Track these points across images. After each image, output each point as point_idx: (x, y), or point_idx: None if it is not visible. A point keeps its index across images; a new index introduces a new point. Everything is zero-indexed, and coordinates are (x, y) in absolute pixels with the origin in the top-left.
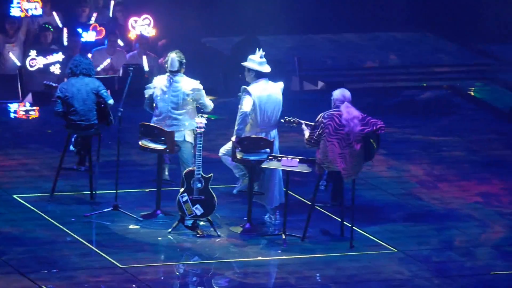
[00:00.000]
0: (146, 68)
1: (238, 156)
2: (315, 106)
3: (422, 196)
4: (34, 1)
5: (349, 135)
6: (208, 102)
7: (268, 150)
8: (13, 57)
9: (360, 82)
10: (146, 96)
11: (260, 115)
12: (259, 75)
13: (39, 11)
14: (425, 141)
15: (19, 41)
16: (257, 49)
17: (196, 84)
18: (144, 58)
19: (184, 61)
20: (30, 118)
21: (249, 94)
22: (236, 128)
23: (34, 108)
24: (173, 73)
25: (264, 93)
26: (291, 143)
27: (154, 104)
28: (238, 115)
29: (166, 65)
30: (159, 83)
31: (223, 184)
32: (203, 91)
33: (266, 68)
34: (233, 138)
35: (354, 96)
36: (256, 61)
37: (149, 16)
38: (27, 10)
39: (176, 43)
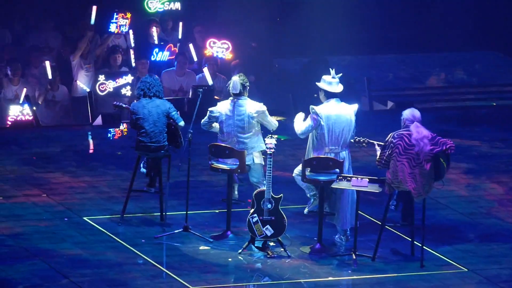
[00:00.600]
0: (210, 82)
1: (308, 176)
2: (385, 126)
3: (498, 215)
4: (126, 18)
5: (419, 155)
6: (273, 121)
7: (337, 170)
8: (81, 84)
9: (429, 102)
10: (207, 117)
11: (328, 135)
12: (329, 95)
13: (126, 29)
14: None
15: (92, 62)
16: (331, 69)
17: (260, 106)
18: (205, 70)
19: (247, 84)
20: (100, 140)
21: (315, 113)
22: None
23: (104, 130)
24: (236, 96)
25: (333, 113)
26: (362, 163)
27: (219, 128)
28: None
29: (229, 89)
30: (223, 108)
31: (294, 205)
32: (267, 112)
33: (336, 88)
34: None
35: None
36: (327, 80)
37: (227, 42)
38: (120, 27)
39: (248, 64)
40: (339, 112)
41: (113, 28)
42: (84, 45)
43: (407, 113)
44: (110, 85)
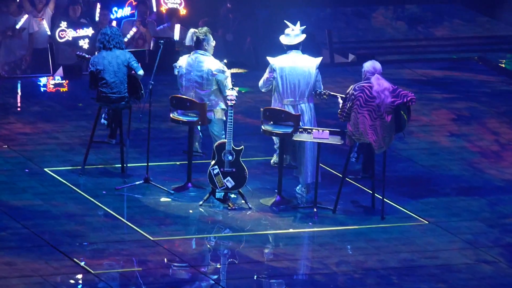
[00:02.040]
0: (176, 37)
1: (263, 127)
2: (346, 78)
3: (458, 168)
4: None
5: (379, 107)
6: (229, 85)
7: (291, 122)
8: (45, 25)
9: (390, 54)
10: (176, 74)
11: (282, 86)
12: (287, 47)
13: None
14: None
15: (47, 15)
16: (288, 22)
17: (222, 65)
18: (177, 26)
19: (204, 37)
20: (61, 91)
21: (270, 65)
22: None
23: (64, 81)
24: (196, 49)
25: (287, 64)
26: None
27: (179, 82)
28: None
29: (185, 41)
30: (184, 61)
31: (256, 157)
32: (228, 74)
33: (292, 41)
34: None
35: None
36: (285, 33)
37: None
38: None
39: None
40: (294, 64)
41: None
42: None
43: (368, 65)
44: (70, 34)
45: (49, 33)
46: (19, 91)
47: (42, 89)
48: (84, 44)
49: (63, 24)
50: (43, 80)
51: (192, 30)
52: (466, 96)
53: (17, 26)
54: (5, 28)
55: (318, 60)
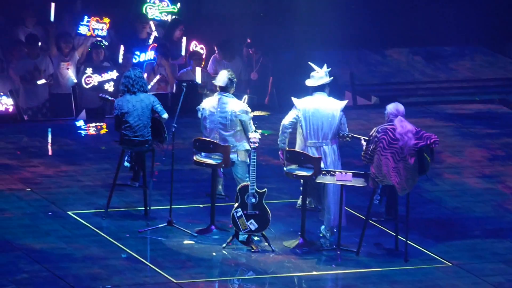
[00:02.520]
0: (199, 80)
1: (286, 169)
2: (369, 120)
3: (481, 210)
4: (103, 22)
5: (403, 149)
6: (252, 127)
7: (311, 165)
8: (71, 73)
9: (412, 96)
10: (200, 116)
11: (305, 128)
12: (312, 89)
13: (104, 33)
14: None
15: (73, 60)
16: (312, 64)
17: (245, 106)
18: (198, 70)
19: (235, 80)
20: (84, 135)
21: (294, 105)
22: (279, 140)
23: (88, 125)
24: (222, 91)
25: (311, 106)
26: (348, 159)
27: (202, 124)
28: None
29: (215, 81)
30: (207, 103)
31: (279, 199)
32: (250, 115)
33: (316, 83)
34: (279, 152)
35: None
36: (311, 75)
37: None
38: (94, 30)
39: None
40: (318, 106)
41: (83, 30)
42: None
43: (391, 107)
44: (96, 79)
45: (75, 80)
46: (42, 134)
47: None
48: (109, 87)
49: (89, 71)
50: (66, 124)
51: (224, 72)
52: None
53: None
54: (25, 72)
55: (343, 103)
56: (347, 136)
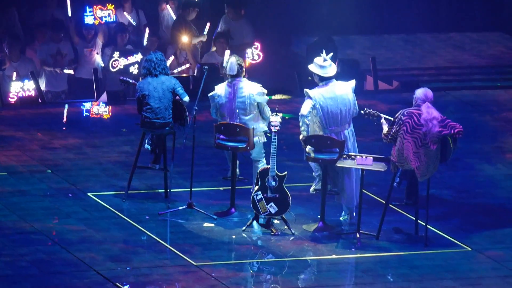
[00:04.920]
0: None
1: (310, 155)
2: (391, 104)
3: (502, 195)
4: (107, 9)
5: (426, 135)
6: (268, 112)
7: (337, 149)
8: (99, 59)
9: (434, 82)
10: (212, 105)
11: (324, 117)
12: (322, 78)
13: (113, 18)
14: None
15: (97, 46)
16: (321, 52)
17: (260, 87)
18: (227, 53)
19: (243, 64)
20: (105, 117)
21: (309, 97)
22: (301, 129)
23: (109, 107)
24: (234, 77)
25: (327, 95)
26: (367, 143)
27: (219, 112)
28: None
29: (225, 71)
30: (222, 90)
31: (299, 183)
32: (266, 96)
33: (329, 72)
34: (301, 137)
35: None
36: (319, 64)
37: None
38: (101, 18)
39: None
40: (333, 94)
41: (89, 20)
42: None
43: (420, 92)
44: (122, 63)
45: (102, 64)
46: (63, 116)
47: (86, 114)
48: (134, 70)
49: (116, 54)
50: (87, 106)
51: (233, 59)
52: None
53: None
54: (48, 56)
55: (352, 83)
56: (374, 115)
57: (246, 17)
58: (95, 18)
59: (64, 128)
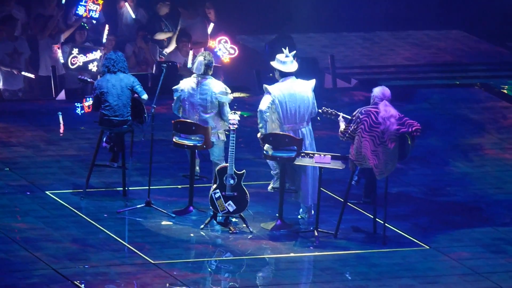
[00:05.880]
0: (189, 64)
1: (267, 153)
2: (348, 103)
3: (460, 193)
4: (97, 3)
5: (383, 134)
6: (228, 113)
7: (295, 147)
8: (60, 56)
9: (393, 80)
10: (175, 98)
11: (282, 113)
12: (283, 74)
13: (97, 14)
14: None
15: (59, 42)
16: (283, 48)
17: (225, 87)
18: (190, 53)
19: (212, 63)
20: (63, 115)
21: (268, 93)
22: (258, 124)
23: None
24: (200, 75)
25: (286, 92)
26: (326, 140)
27: (181, 107)
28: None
29: (192, 69)
30: (186, 85)
31: (257, 181)
32: (230, 97)
33: (290, 68)
34: (258, 135)
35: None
36: (281, 60)
37: (236, 48)
38: (89, 11)
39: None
40: (292, 90)
41: (81, 11)
42: (53, 26)
43: (377, 90)
44: (81, 59)
45: (62, 61)
46: (21, 114)
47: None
48: (93, 67)
49: (75, 51)
50: (45, 104)
51: (200, 57)
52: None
53: None
54: (4, 55)
55: (312, 82)
56: (331, 113)
57: (202, 17)
58: (85, 10)
59: (61, 134)
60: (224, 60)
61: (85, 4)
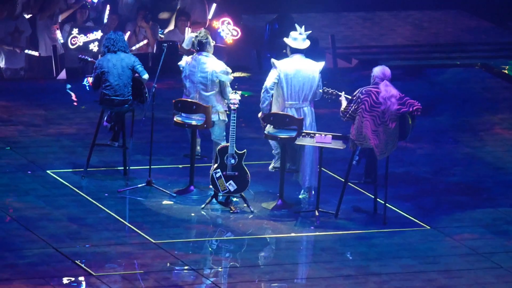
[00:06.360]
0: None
1: (268, 133)
2: (349, 83)
3: (460, 174)
4: None
5: (384, 113)
6: (229, 92)
7: (295, 127)
8: (59, 36)
9: (393, 60)
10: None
11: (286, 89)
12: (293, 50)
13: None
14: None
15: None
16: (297, 25)
17: (225, 66)
18: (187, 31)
19: (206, 40)
20: (64, 94)
21: (275, 67)
22: (260, 103)
23: (68, 84)
24: (199, 51)
25: (292, 68)
26: (327, 121)
27: (183, 83)
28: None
29: (183, 45)
30: (186, 62)
31: (259, 161)
32: (231, 76)
33: (301, 44)
34: (259, 115)
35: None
36: (293, 36)
37: (238, 29)
38: None
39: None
40: (299, 68)
41: None
42: (54, 8)
43: (378, 70)
44: (81, 40)
45: (62, 41)
46: (22, 93)
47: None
48: (94, 47)
49: (75, 31)
50: (46, 83)
51: (191, 34)
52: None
53: None
54: (6, 34)
55: (321, 64)
56: (332, 94)
57: None
58: None
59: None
60: (228, 41)
61: None
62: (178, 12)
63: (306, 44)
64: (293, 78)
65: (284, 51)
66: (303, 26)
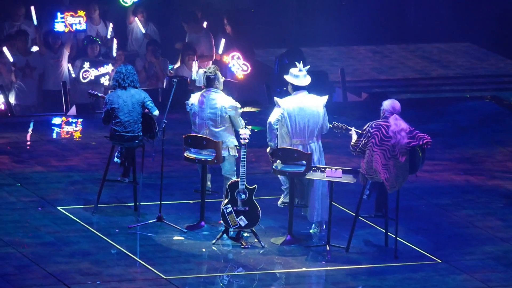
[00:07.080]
0: (194, 76)
1: (277, 168)
2: (359, 117)
3: (470, 207)
4: (78, 16)
5: (394, 147)
6: (241, 121)
7: (304, 162)
8: (71, 68)
9: (404, 93)
10: (188, 111)
11: (291, 127)
12: (295, 87)
13: (83, 26)
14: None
15: (64, 56)
16: (297, 62)
17: (234, 102)
18: (194, 64)
19: (214, 76)
20: (74, 130)
21: (278, 106)
22: (267, 139)
23: (78, 120)
24: (208, 87)
25: (296, 105)
26: (336, 155)
27: (192, 121)
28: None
29: (196, 83)
30: (196, 99)
31: (269, 196)
32: (239, 110)
33: (303, 81)
34: (268, 150)
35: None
36: (293, 74)
37: (248, 65)
38: (71, 25)
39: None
40: (303, 105)
41: (60, 27)
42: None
43: (387, 104)
44: (93, 73)
45: (73, 75)
46: (32, 129)
47: (55, 128)
48: (105, 81)
49: (86, 65)
50: (56, 119)
51: (201, 70)
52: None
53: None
54: (16, 69)
55: (325, 99)
56: (342, 128)
57: (207, 31)
58: (65, 26)
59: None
60: (238, 76)
61: (63, 20)
62: (184, 47)
63: (308, 80)
64: (297, 115)
65: (285, 88)
66: (301, 62)
